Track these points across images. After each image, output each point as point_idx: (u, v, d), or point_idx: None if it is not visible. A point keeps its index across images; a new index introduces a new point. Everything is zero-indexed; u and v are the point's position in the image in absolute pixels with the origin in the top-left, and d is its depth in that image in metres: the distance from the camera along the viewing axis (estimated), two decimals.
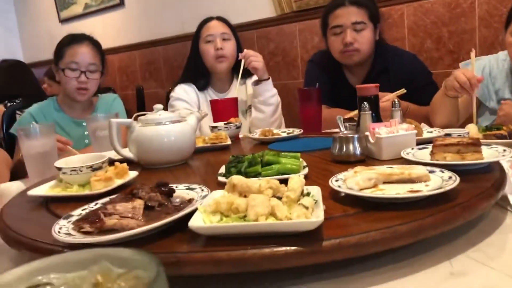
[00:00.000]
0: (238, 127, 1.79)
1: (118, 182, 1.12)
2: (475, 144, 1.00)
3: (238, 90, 2.19)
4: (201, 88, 2.25)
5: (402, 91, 1.88)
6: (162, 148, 1.36)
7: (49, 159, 1.47)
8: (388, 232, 0.68)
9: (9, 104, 2.88)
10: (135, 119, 1.42)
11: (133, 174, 1.19)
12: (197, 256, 0.66)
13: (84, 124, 2.11)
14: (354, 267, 0.70)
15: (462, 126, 1.65)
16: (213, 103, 1.95)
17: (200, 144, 1.61)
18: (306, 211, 0.69)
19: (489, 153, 1.05)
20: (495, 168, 0.98)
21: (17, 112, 2.47)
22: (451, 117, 1.80)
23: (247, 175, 1.04)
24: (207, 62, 2.22)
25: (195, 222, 0.70)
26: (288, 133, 1.70)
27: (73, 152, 1.72)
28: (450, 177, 0.85)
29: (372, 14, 2.11)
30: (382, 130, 1.20)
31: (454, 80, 1.63)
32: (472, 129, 1.50)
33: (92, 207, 0.90)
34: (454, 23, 2.52)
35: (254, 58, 2.10)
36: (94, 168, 1.15)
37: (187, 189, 0.96)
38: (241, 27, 3.21)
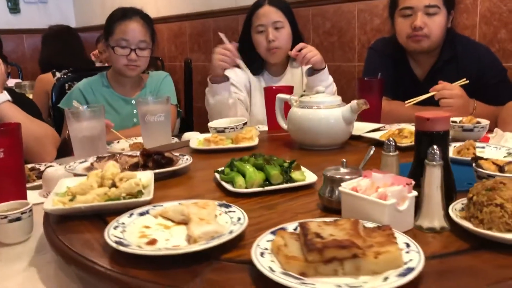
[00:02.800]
0: (466, 130, 1.46)
1: (226, 145, 1.46)
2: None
3: (293, 74, 2.08)
4: (256, 72, 2.14)
5: (464, 81, 1.74)
6: (309, 131, 1.44)
7: (97, 143, 1.43)
8: None
9: (57, 72, 2.85)
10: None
11: (253, 142, 1.47)
12: None
13: (133, 102, 2.06)
14: None
15: None
16: (267, 91, 1.83)
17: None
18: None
19: None
20: None
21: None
22: None
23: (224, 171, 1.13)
24: (260, 52, 2.11)
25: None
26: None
27: (115, 135, 1.67)
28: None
29: None
30: (354, 182, 0.86)
31: None
32: None
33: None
34: None
35: (310, 54, 1.94)
36: (218, 131, 1.51)
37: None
38: (296, 3, 3.05)
